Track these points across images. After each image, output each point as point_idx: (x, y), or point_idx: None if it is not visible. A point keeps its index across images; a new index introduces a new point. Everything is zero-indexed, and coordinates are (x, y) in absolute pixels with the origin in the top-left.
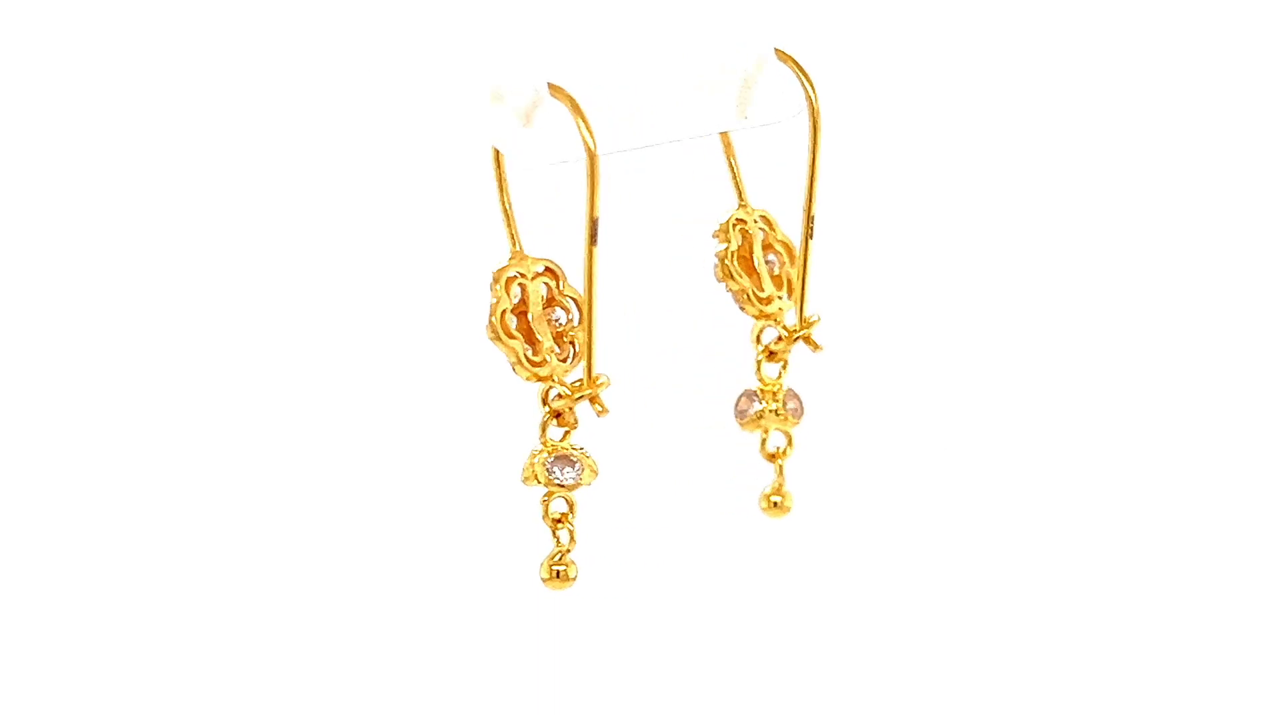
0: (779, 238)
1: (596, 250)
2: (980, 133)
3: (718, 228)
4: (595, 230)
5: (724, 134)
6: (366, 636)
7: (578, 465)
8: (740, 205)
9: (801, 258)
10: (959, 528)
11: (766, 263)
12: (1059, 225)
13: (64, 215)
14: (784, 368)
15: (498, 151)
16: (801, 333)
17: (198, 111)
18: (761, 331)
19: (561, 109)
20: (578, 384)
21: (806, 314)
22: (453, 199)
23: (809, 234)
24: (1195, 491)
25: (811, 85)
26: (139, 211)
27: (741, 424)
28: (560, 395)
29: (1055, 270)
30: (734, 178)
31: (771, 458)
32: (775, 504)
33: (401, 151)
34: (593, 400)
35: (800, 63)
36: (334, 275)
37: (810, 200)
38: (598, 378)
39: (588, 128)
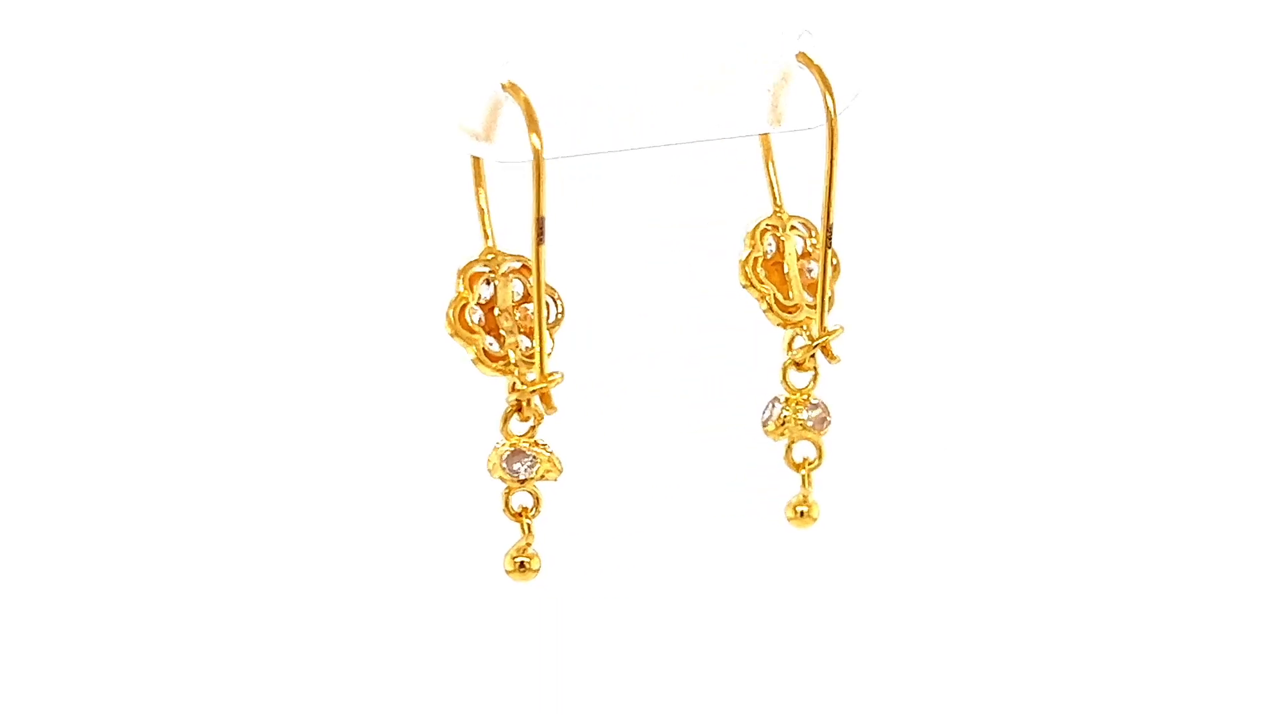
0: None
1: (544, 249)
2: (1009, 140)
3: (746, 233)
4: (542, 229)
5: (764, 138)
6: (348, 633)
7: (531, 460)
8: (775, 211)
9: (820, 267)
10: (978, 537)
11: (807, 271)
12: (1089, 235)
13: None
14: (814, 377)
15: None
16: (819, 341)
17: (167, 110)
18: (792, 340)
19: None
20: (534, 380)
21: (829, 325)
22: (435, 194)
23: (828, 243)
24: (1213, 503)
25: (830, 92)
26: (108, 207)
27: (764, 431)
28: (516, 389)
29: (1084, 279)
30: (770, 183)
31: (796, 467)
32: (801, 514)
33: (387, 146)
34: (543, 396)
35: (823, 69)
36: (316, 269)
37: (829, 209)
38: (551, 375)
39: (535, 129)
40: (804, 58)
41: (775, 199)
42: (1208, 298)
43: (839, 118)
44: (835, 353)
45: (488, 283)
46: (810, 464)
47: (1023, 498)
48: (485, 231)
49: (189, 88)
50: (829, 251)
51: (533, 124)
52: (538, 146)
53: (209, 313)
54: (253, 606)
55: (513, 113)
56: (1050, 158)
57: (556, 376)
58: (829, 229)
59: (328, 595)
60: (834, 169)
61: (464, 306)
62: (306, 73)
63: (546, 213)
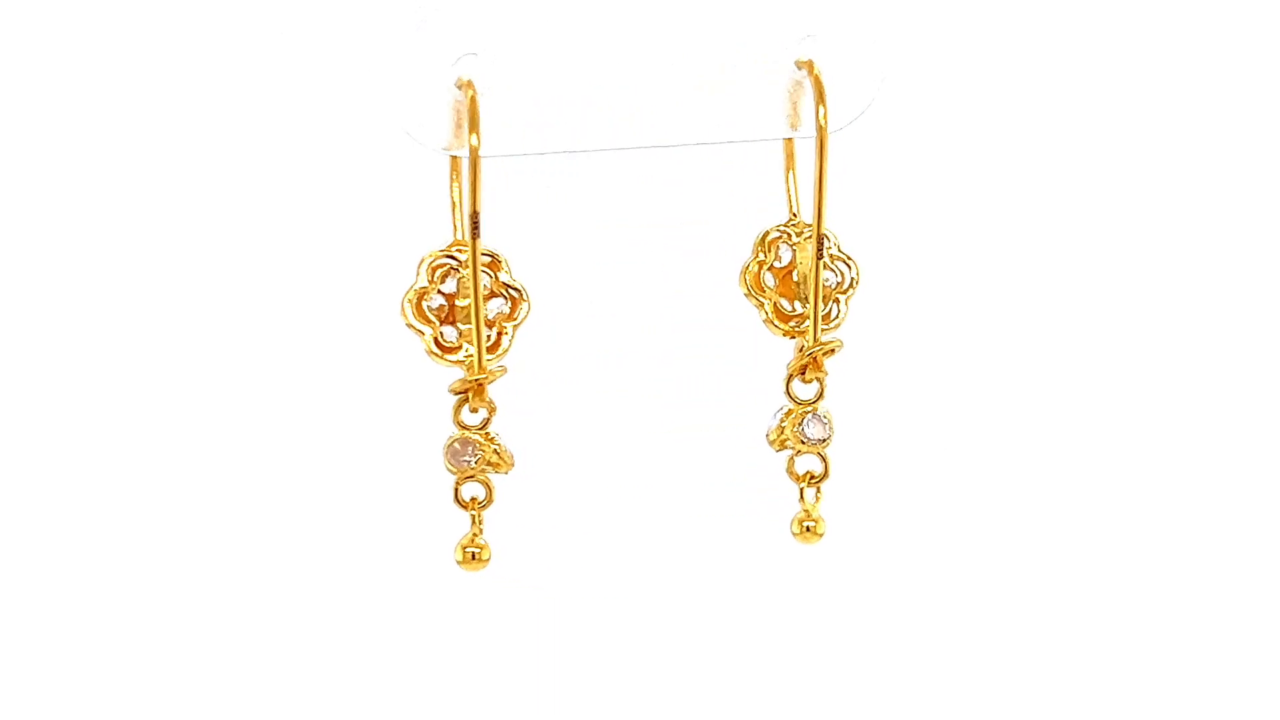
0: (840, 255)
1: (479, 243)
2: (1024, 144)
3: (755, 240)
4: (477, 223)
5: (787, 143)
6: (312, 620)
7: (474, 451)
8: (791, 218)
9: (812, 280)
10: (980, 544)
11: (823, 282)
12: (1098, 242)
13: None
14: (820, 390)
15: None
16: (810, 352)
17: (147, 104)
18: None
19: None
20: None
21: (836, 337)
22: (407, 190)
23: (819, 255)
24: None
25: (823, 100)
26: (70, 195)
27: (766, 442)
28: (464, 381)
29: (1092, 285)
30: (788, 189)
31: (796, 479)
32: (807, 529)
33: (365, 143)
34: (478, 388)
35: (820, 77)
36: (283, 263)
37: (819, 220)
38: (493, 372)
39: (475, 129)
40: (806, 64)
41: (791, 205)
42: (1208, 304)
43: (835, 127)
44: (825, 366)
45: (452, 273)
46: (814, 478)
47: (1029, 507)
48: (455, 224)
49: (170, 86)
50: (819, 263)
51: (474, 123)
52: (475, 145)
53: (172, 305)
54: (204, 591)
55: (491, 108)
56: (1065, 162)
57: (496, 371)
58: (820, 240)
59: (282, 583)
60: (824, 179)
61: (421, 296)
62: (277, 65)
63: (481, 208)
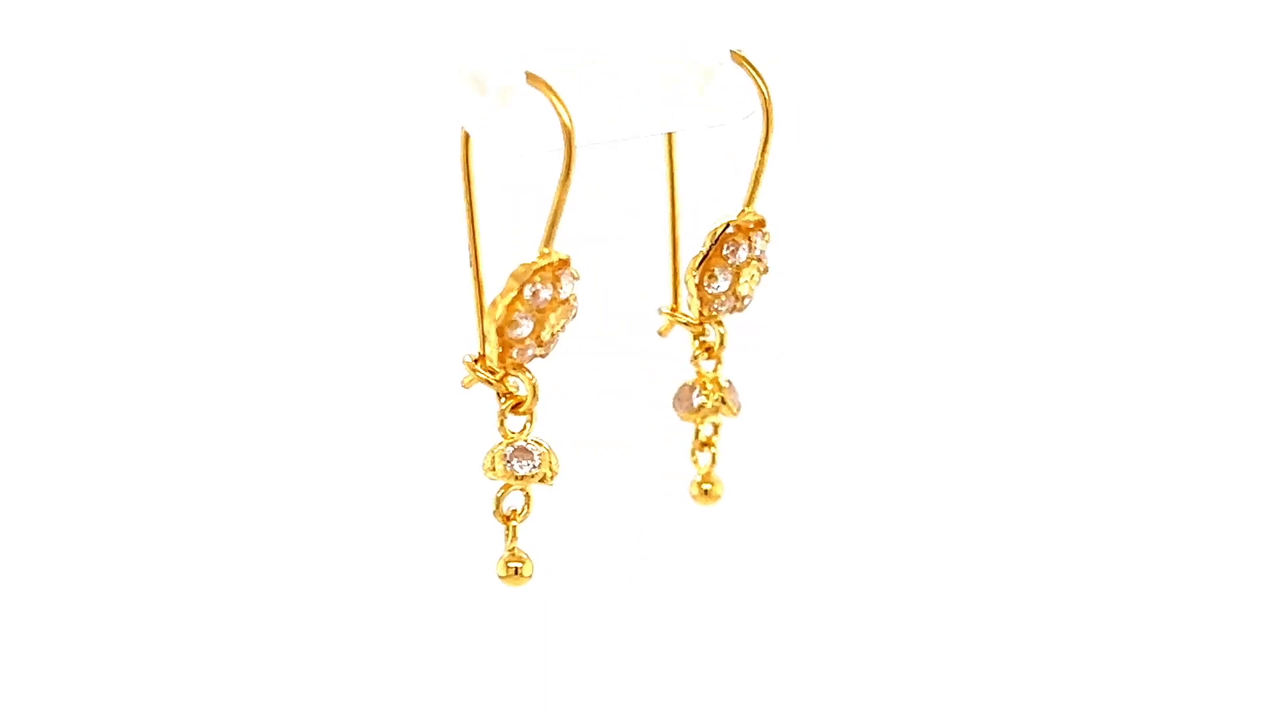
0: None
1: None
2: (960, 134)
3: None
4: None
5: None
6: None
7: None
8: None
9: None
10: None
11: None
12: (1052, 230)
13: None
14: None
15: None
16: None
17: (176, 101)
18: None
19: (537, 97)
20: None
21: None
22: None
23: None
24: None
25: (766, 89)
26: (113, 198)
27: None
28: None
29: (1048, 277)
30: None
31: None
32: (705, 491)
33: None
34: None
35: (756, 66)
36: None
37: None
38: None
39: (564, 108)
40: (737, 55)
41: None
42: (1194, 306)
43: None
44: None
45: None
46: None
47: (1014, 515)
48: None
49: (184, 82)
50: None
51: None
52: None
53: (220, 310)
54: (233, 599)
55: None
56: (1011, 161)
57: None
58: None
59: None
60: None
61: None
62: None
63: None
